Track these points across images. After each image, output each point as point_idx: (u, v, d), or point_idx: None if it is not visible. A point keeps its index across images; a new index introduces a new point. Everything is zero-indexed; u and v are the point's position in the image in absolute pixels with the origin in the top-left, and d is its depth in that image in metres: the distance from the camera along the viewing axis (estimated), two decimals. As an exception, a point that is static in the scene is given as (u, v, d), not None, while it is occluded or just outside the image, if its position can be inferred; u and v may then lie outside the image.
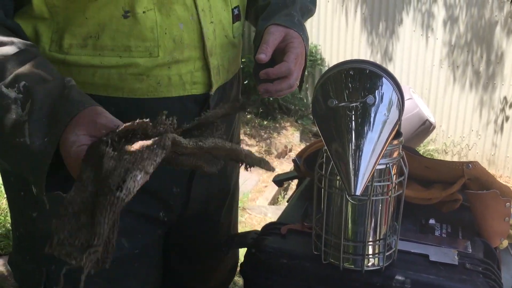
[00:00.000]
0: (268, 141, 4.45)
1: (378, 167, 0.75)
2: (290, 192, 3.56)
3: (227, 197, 1.06)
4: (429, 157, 4.26)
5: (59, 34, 0.77)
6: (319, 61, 4.91)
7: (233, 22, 0.92)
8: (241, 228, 2.97)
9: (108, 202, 0.51)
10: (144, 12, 0.77)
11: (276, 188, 3.58)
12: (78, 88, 0.69)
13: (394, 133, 0.70)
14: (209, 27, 0.85)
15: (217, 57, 0.88)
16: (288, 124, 4.82)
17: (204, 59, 0.86)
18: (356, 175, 0.66)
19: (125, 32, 0.77)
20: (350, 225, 0.80)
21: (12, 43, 0.70)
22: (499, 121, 4.38)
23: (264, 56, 0.86)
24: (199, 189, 0.94)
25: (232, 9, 0.91)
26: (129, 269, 0.90)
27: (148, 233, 0.90)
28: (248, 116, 4.61)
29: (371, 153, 0.67)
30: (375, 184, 0.76)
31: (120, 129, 0.57)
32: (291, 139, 4.61)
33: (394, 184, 0.78)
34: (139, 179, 0.53)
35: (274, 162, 4.22)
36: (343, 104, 0.67)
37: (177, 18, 0.80)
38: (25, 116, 0.64)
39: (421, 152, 4.46)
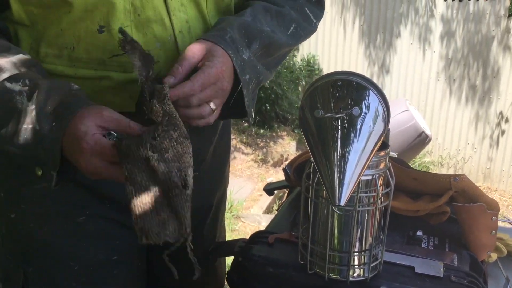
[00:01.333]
0: (264, 149, 4.46)
1: (364, 178, 0.75)
2: (284, 202, 3.55)
3: (209, 213, 1.05)
4: (424, 169, 4.23)
5: (38, 42, 0.78)
6: (317, 71, 4.94)
7: None
8: (234, 236, 2.98)
9: (183, 200, 0.65)
10: None
11: (271, 197, 3.59)
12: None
13: (379, 144, 0.71)
14: None
15: None
16: (284, 133, 4.84)
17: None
18: (340, 185, 0.66)
19: (100, 46, 0.77)
20: (336, 235, 0.80)
21: (9, 49, 0.74)
22: (495, 135, 4.40)
23: (172, 79, 0.72)
24: None
25: None
26: (107, 275, 0.90)
27: (125, 238, 0.90)
28: (245, 125, 4.62)
29: (356, 163, 0.67)
30: (361, 194, 0.77)
31: (158, 131, 0.66)
32: (287, 148, 4.62)
33: (380, 195, 0.79)
34: (190, 174, 0.66)
35: (270, 171, 4.22)
36: (329, 114, 0.67)
37: (154, 37, 0.79)
38: (32, 105, 0.69)
39: (416, 164, 4.48)
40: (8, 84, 0.70)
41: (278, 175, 4.08)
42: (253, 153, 4.39)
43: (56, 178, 0.70)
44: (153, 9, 0.78)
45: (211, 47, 0.77)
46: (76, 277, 0.88)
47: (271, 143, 4.61)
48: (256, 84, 0.86)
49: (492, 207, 0.91)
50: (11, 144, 0.71)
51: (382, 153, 0.76)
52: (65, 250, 0.87)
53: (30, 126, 0.69)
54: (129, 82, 0.80)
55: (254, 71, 0.83)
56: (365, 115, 0.68)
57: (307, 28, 0.96)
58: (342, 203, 0.66)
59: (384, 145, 0.78)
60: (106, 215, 0.88)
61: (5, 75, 0.71)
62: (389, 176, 0.80)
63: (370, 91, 0.70)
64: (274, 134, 4.76)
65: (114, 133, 0.69)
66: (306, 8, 0.96)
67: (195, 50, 0.76)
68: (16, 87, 0.70)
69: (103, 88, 0.80)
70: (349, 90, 0.70)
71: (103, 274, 0.90)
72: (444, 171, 4.59)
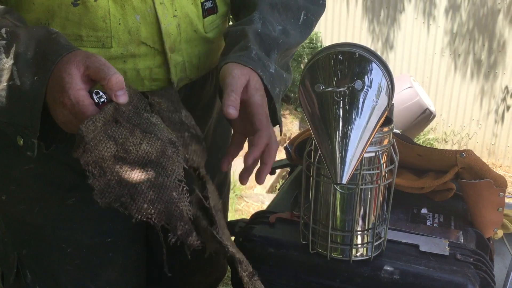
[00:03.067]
0: (267, 128, 4.43)
1: (367, 155, 0.73)
2: (288, 180, 3.54)
3: None
4: (428, 145, 4.22)
5: None
6: (319, 49, 4.87)
7: (204, 17, 0.86)
8: (237, 216, 2.97)
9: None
10: (95, 0, 0.73)
11: (274, 176, 3.57)
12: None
13: (383, 119, 0.68)
14: (171, 21, 0.80)
15: (182, 53, 0.83)
16: (287, 112, 4.80)
17: (165, 55, 0.81)
18: (342, 163, 0.63)
19: (75, 21, 0.74)
20: (338, 214, 0.78)
21: None
22: (500, 111, 4.34)
23: (234, 111, 0.75)
24: None
25: (202, 3, 0.85)
26: (102, 258, 0.89)
27: (118, 221, 0.88)
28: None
29: (359, 140, 0.64)
30: (364, 172, 0.74)
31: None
32: (290, 127, 4.58)
33: (384, 173, 0.76)
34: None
35: (273, 150, 4.21)
36: (330, 89, 0.65)
37: (132, 8, 0.75)
38: (11, 60, 0.64)
39: (421, 141, 4.44)
40: None
41: (281, 154, 4.05)
42: (255, 132, 4.36)
43: (37, 146, 0.66)
44: None
45: (249, 72, 0.79)
46: (70, 260, 0.87)
47: (274, 122, 4.58)
48: (283, 91, 0.87)
49: (499, 183, 0.88)
50: None
51: (385, 129, 0.73)
52: (56, 233, 0.86)
53: (10, 83, 0.63)
54: (109, 60, 0.75)
55: (281, 82, 0.85)
56: (368, 89, 0.65)
57: (317, 10, 0.93)
58: (344, 181, 0.64)
59: (388, 121, 0.75)
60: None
61: None
62: (393, 153, 0.77)
63: (373, 63, 0.66)
64: (276, 112, 4.73)
65: (102, 92, 0.64)
66: None
67: (241, 77, 0.78)
68: None
69: None
70: (351, 63, 0.67)
71: (98, 256, 0.88)
72: (448, 147, 4.55)
